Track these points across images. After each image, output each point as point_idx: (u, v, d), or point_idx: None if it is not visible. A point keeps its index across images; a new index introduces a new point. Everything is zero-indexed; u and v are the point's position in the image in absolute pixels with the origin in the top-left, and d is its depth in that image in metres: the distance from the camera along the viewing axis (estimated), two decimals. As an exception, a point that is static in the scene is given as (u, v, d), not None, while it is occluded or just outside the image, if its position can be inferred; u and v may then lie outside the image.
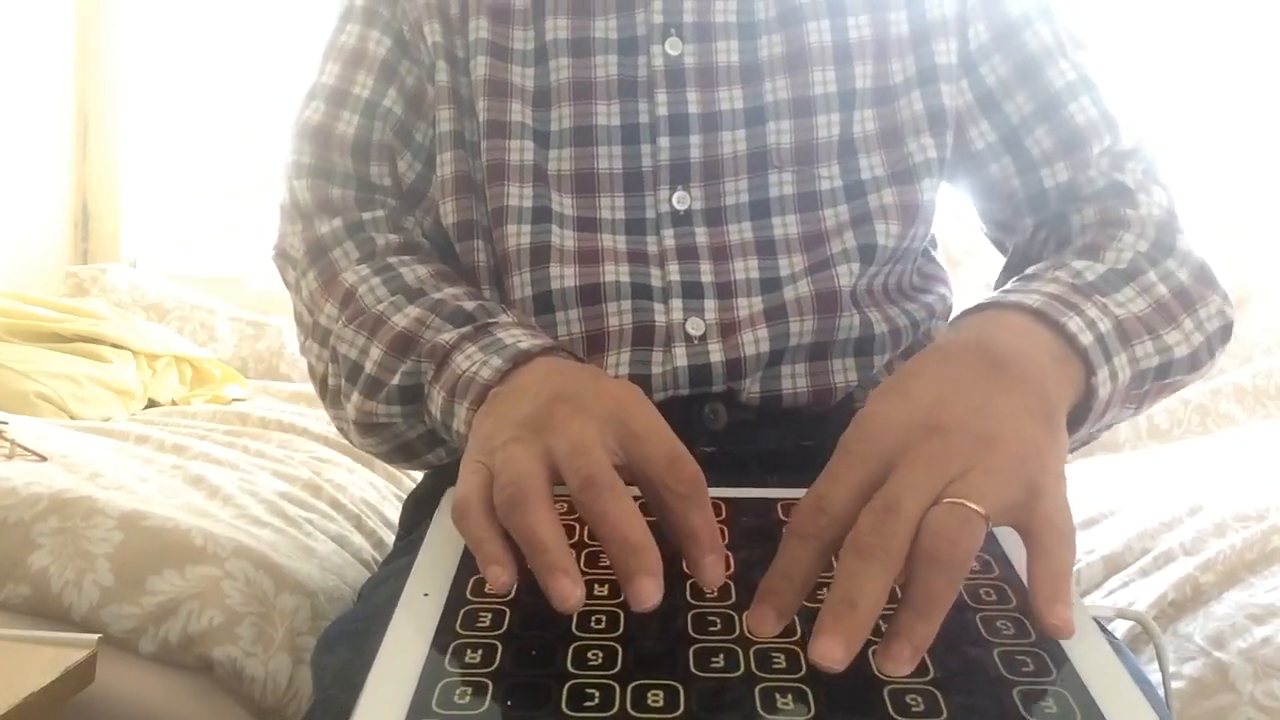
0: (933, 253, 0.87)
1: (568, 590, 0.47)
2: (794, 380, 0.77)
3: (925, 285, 0.85)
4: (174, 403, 1.80)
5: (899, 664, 0.45)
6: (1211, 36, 2.21)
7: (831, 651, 0.44)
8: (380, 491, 1.35)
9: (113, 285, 2.23)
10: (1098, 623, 0.53)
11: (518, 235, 0.76)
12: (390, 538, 1.23)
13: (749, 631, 0.47)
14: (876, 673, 0.47)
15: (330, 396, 0.77)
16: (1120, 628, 1.03)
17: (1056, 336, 0.60)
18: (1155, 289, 0.69)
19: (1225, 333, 0.74)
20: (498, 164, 0.77)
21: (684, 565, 0.51)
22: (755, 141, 0.77)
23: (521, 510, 0.50)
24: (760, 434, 0.77)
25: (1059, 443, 0.54)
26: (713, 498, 0.52)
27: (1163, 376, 0.68)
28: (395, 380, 0.69)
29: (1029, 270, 0.70)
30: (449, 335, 0.68)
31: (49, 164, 2.45)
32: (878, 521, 0.47)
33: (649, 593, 0.47)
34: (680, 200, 0.77)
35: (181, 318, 2.17)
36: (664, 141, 0.77)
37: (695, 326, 0.75)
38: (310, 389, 1.82)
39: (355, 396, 0.72)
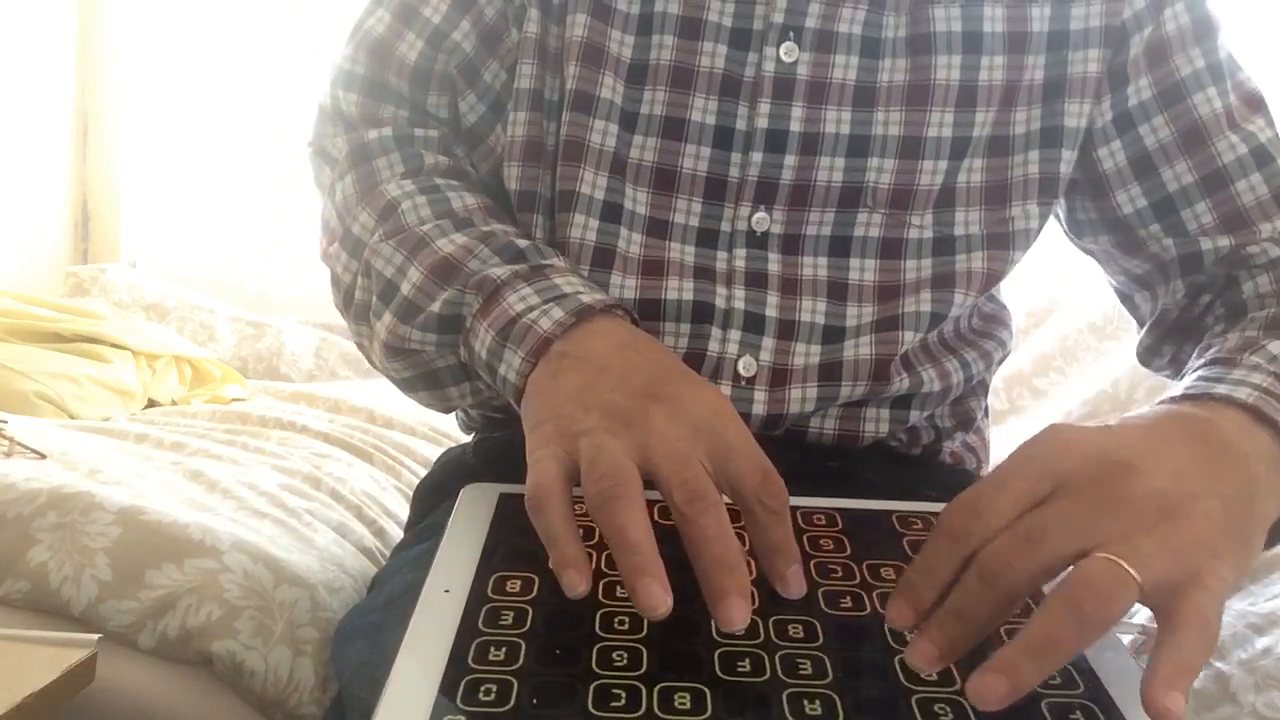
0: (994, 291, 0.83)
1: (659, 597, 0.46)
2: (823, 422, 0.75)
3: (985, 327, 0.81)
4: (174, 403, 1.80)
5: (990, 698, 0.42)
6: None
7: (925, 654, 0.45)
8: (380, 483, 1.34)
9: (113, 285, 2.22)
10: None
11: (584, 228, 0.72)
12: (392, 528, 1.22)
13: (888, 625, 0.48)
14: (904, 681, 0.47)
15: (356, 311, 0.72)
16: (1123, 637, 1.02)
17: (1273, 437, 0.55)
18: None
19: None
20: (576, 142, 0.72)
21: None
22: (853, 175, 0.72)
23: (616, 506, 0.48)
24: (783, 455, 0.75)
25: (1242, 551, 0.49)
26: (727, 504, 0.52)
27: None
28: (434, 307, 0.66)
29: (1216, 351, 0.65)
30: (500, 270, 0.64)
31: (49, 164, 2.44)
32: (1014, 551, 0.45)
33: (742, 613, 0.46)
34: (759, 221, 0.72)
35: (181, 318, 2.17)
36: (756, 156, 0.71)
37: (747, 367, 0.72)
38: (309, 389, 1.84)
39: (388, 317, 0.68)
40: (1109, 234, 0.78)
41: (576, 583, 0.47)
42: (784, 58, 0.71)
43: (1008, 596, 0.45)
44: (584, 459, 0.50)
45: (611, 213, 0.72)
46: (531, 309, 0.61)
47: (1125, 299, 0.84)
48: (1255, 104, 0.75)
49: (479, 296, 0.64)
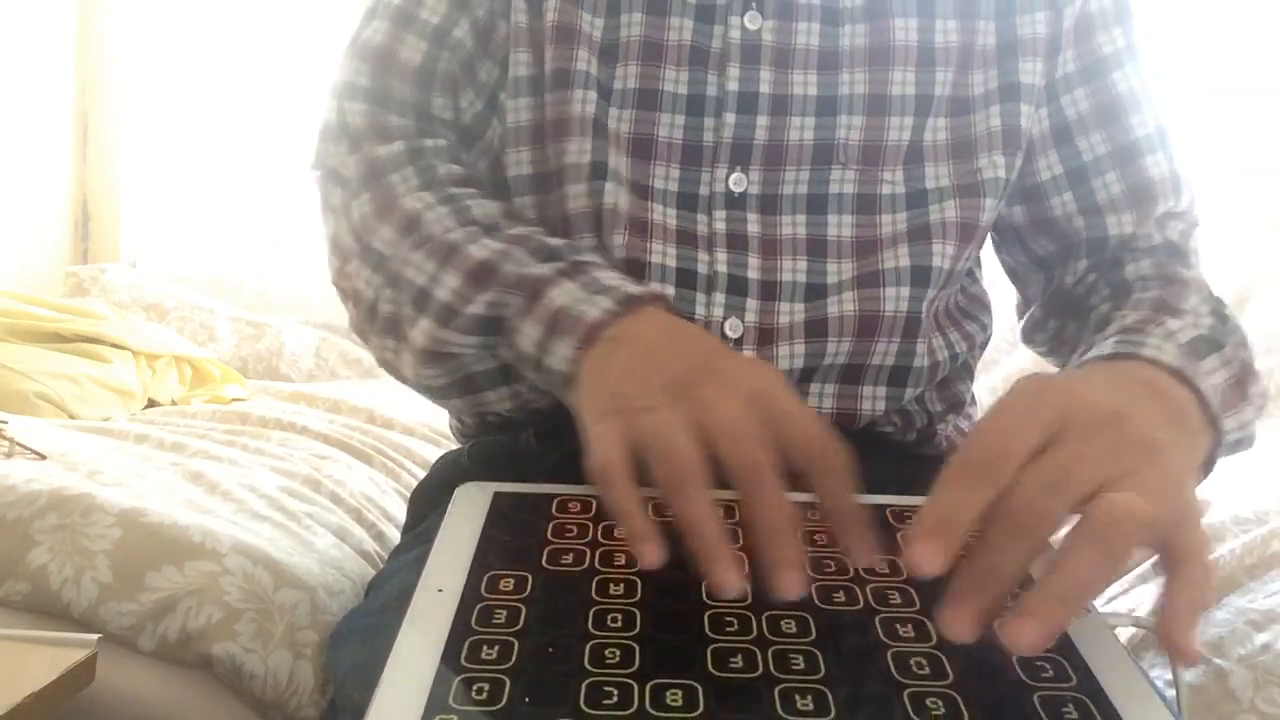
0: (977, 273, 0.85)
1: (733, 578, 0.47)
2: (820, 399, 0.76)
3: (970, 308, 0.83)
4: (174, 403, 1.80)
5: (1029, 642, 0.42)
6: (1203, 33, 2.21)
7: (963, 623, 0.44)
8: (380, 486, 1.35)
9: (113, 285, 2.23)
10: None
11: (577, 196, 0.74)
12: (391, 531, 1.22)
13: (910, 570, 0.44)
14: (896, 676, 0.47)
15: (382, 324, 0.72)
16: (1123, 633, 1.02)
17: (1195, 399, 0.58)
18: (1231, 364, 0.67)
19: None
20: (562, 118, 0.74)
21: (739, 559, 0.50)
22: (823, 132, 0.75)
23: (690, 494, 0.48)
24: None
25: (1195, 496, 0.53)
26: (725, 500, 0.52)
27: (1231, 453, 0.67)
28: (475, 309, 0.66)
29: (1119, 324, 0.67)
30: (541, 269, 0.65)
31: (49, 164, 2.45)
32: (1040, 497, 0.45)
33: (799, 583, 0.47)
34: (737, 182, 0.75)
35: (181, 318, 2.18)
36: (729, 118, 0.74)
37: (734, 328, 0.74)
38: (309, 389, 1.84)
39: (425, 322, 0.68)
40: (1024, 204, 0.81)
41: (654, 555, 0.47)
42: (748, 25, 0.74)
43: (1036, 546, 0.45)
44: (649, 439, 0.51)
45: (598, 173, 0.74)
46: (578, 301, 0.62)
47: (1016, 278, 0.87)
48: (1159, 97, 0.79)
49: (521, 295, 0.64)
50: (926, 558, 0.44)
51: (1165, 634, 0.44)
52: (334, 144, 0.78)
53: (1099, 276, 0.78)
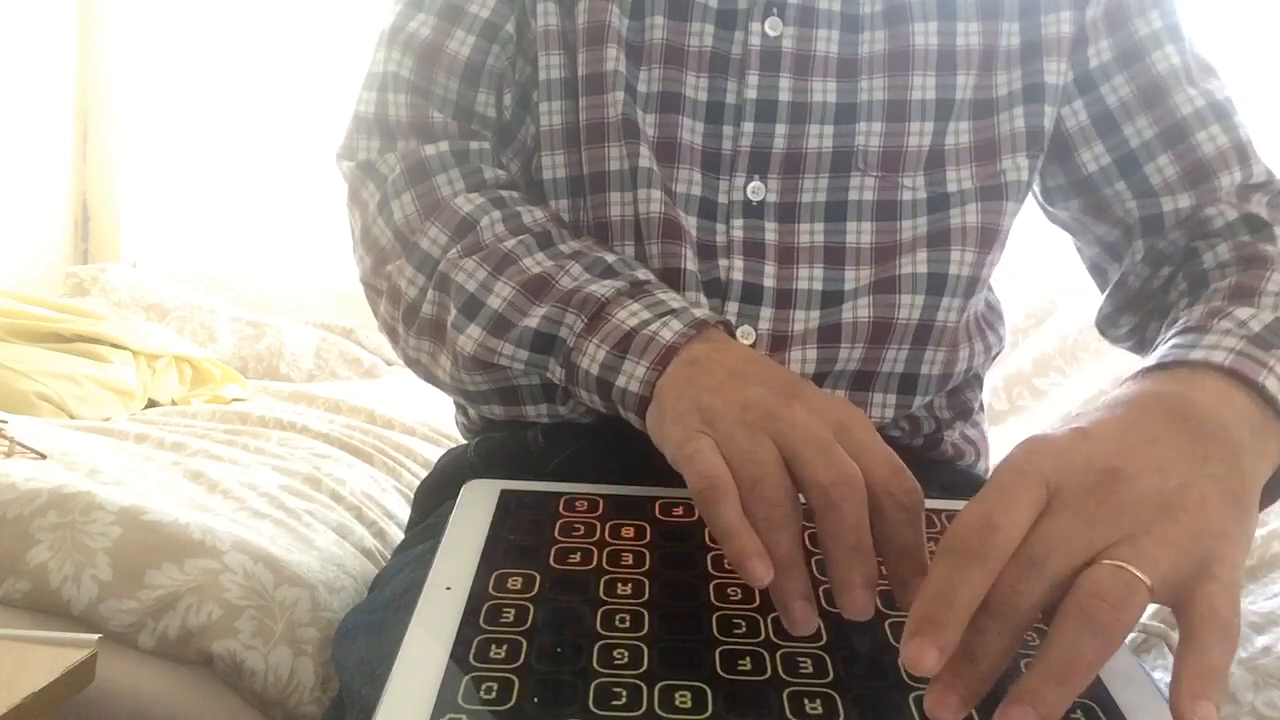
0: (990, 283, 0.84)
1: (813, 619, 0.47)
2: None
3: (989, 318, 0.82)
4: (174, 403, 1.80)
5: None
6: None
7: (947, 705, 0.42)
8: (380, 485, 1.34)
9: (113, 285, 2.23)
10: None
11: (620, 204, 0.74)
12: (392, 529, 1.22)
13: (905, 667, 0.42)
14: (904, 679, 0.47)
15: (421, 325, 0.72)
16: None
17: (1254, 400, 0.55)
18: None
19: None
20: (599, 123, 0.74)
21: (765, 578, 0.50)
22: (842, 140, 0.74)
23: (784, 532, 0.48)
24: None
25: (1245, 527, 0.48)
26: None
27: None
28: (530, 323, 0.66)
29: (1185, 321, 0.63)
30: (599, 287, 0.65)
31: (49, 164, 2.44)
32: (1016, 576, 0.43)
33: (867, 604, 0.47)
34: (755, 191, 0.74)
35: (181, 318, 2.17)
36: (748, 127, 0.74)
37: (746, 335, 0.73)
38: (309, 389, 1.84)
39: (476, 330, 0.68)
40: (1078, 197, 0.80)
41: (764, 573, 0.47)
42: (769, 31, 0.74)
43: (1019, 626, 0.43)
44: (745, 470, 0.50)
45: (640, 180, 0.73)
46: (647, 323, 0.62)
47: (1098, 271, 0.85)
48: (1209, 69, 0.77)
49: (582, 315, 0.64)
50: (919, 656, 0.41)
51: (1173, 702, 0.41)
52: (367, 136, 0.78)
53: (1176, 269, 0.76)
